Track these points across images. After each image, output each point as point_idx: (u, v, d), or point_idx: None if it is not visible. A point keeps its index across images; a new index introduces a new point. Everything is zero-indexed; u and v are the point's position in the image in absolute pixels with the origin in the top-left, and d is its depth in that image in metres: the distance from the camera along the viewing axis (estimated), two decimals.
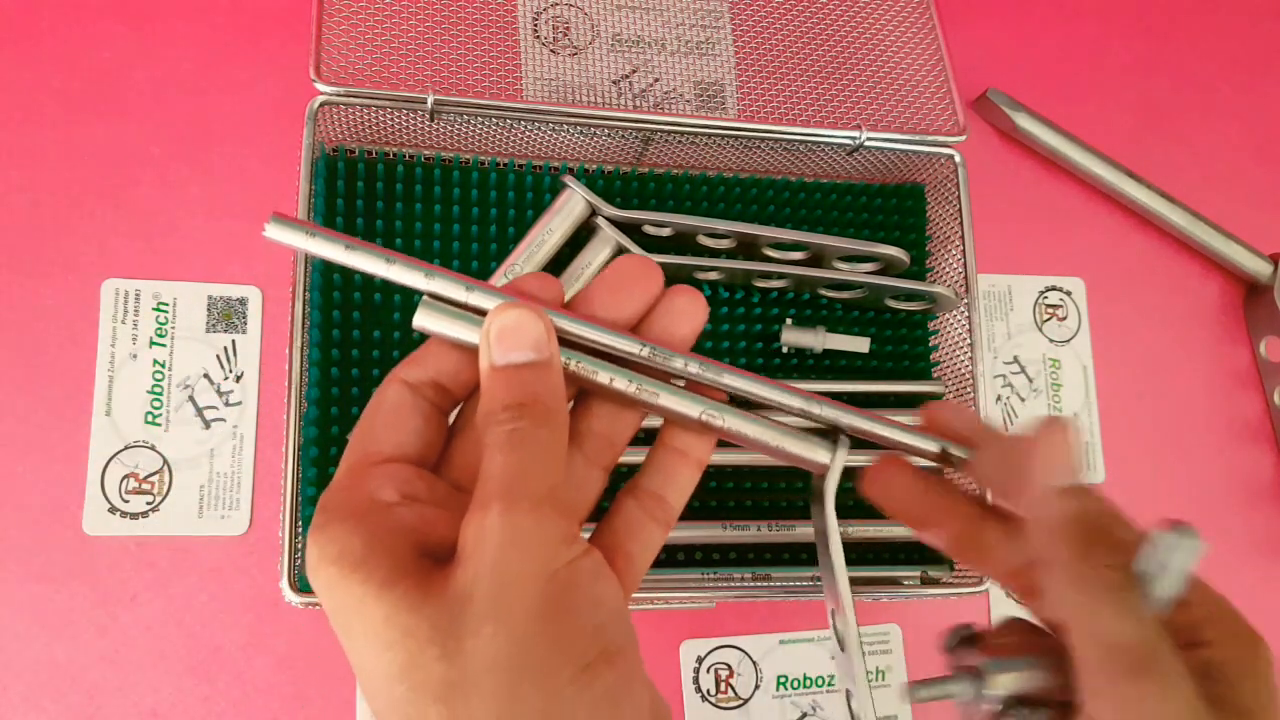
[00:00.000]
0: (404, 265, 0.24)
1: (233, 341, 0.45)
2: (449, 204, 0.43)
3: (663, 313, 0.26)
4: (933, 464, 0.27)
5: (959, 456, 0.27)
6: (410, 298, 0.42)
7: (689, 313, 0.26)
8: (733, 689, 0.47)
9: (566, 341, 0.24)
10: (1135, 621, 0.21)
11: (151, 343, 0.44)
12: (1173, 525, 0.22)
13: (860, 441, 0.27)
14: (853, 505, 0.45)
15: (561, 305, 0.25)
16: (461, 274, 0.24)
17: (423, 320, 0.24)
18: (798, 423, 0.27)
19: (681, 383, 0.26)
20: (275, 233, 0.24)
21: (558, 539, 0.20)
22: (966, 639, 0.26)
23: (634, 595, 0.40)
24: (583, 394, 0.26)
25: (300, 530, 0.37)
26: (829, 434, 0.27)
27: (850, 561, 0.43)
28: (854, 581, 0.43)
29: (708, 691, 0.47)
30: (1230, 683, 0.22)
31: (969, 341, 0.45)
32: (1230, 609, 0.23)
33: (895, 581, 0.44)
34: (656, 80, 0.46)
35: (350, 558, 0.20)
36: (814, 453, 0.26)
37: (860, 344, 0.46)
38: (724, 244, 0.44)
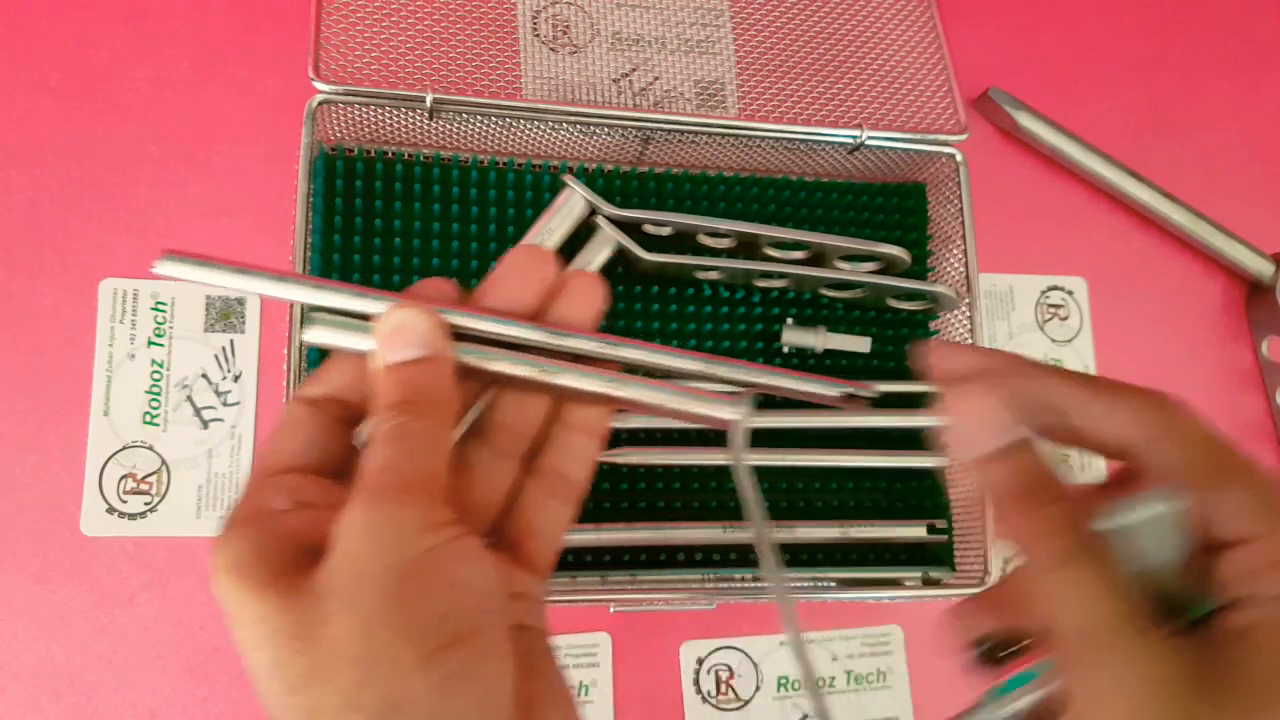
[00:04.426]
0: (294, 283, 0.25)
1: (231, 341, 0.45)
2: (448, 203, 0.43)
3: (561, 299, 0.26)
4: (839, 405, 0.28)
5: (865, 397, 0.27)
6: None
7: (586, 295, 0.26)
8: (733, 690, 0.47)
9: (465, 336, 0.25)
10: (1082, 600, 0.19)
11: (150, 342, 0.44)
12: (1155, 488, 0.20)
13: (787, 401, 0.28)
14: (854, 505, 0.45)
15: (455, 302, 0.25)
16: (351, 284, 0.25)
17: (312, 335, 0.24)
18: (715, 387, 0.28)
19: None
20: (166, 268, 0.24)
21: (418, 526, 0.21)
22: (986, 652, 0.25)
23: (635, 597, 0.40)
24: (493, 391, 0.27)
25: None
26: (736, 394, 0.28)
27: (852, 562, 0.44)
28: (856, 583, 0.43)
29: (708, 693, 0.47)
30: (1250, 653, 0.18)
31: (970, 341, 0.45)
32: None
33: (896, 583, 0.44)
34: (656, 79, 0.45)
35: (238, 564, 0.21)
36: (718, 410, 0.27)
37: (861, 344, 0.46)
38: (724, 243, 0.44)
